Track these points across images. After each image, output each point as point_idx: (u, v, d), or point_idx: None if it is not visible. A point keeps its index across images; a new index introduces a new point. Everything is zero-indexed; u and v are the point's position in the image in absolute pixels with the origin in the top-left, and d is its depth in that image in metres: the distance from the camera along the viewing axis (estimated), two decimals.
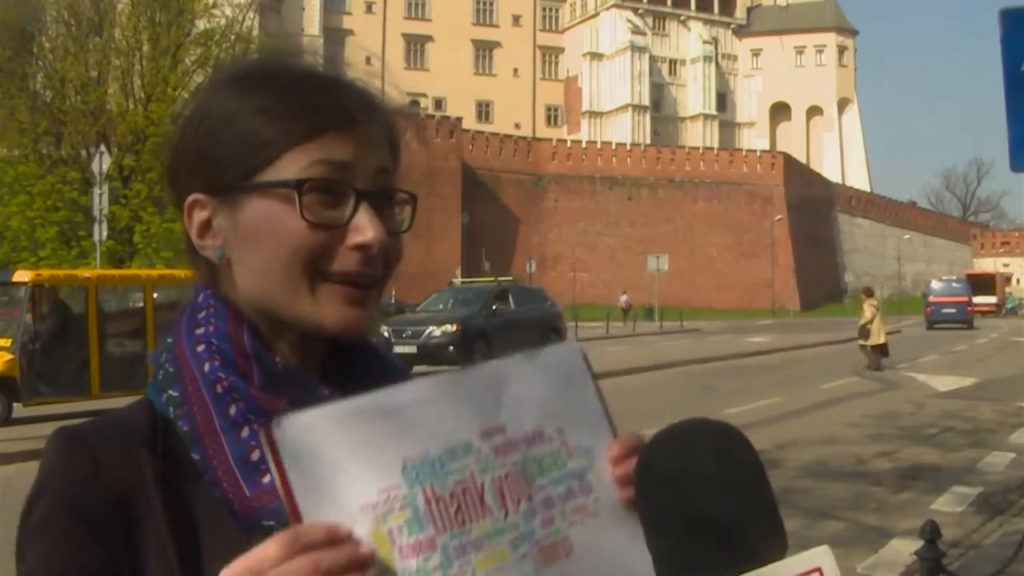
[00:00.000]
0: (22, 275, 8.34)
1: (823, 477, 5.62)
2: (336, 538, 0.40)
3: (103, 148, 13.44)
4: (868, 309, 13.22)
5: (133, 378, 8.22)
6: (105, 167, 12.29)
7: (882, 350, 13.15)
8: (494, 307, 12.84)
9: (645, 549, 0.44)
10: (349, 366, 0.56)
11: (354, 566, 0.40)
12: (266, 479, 0.48)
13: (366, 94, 0.54)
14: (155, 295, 8.86)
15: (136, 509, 0.49)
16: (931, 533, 2.56)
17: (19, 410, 7.76)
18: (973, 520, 4.52)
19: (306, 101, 0.52)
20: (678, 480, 0.43)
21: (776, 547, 0.42)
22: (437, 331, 11.74)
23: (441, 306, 12.98)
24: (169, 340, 0.54)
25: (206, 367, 0.51)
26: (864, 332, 13.11)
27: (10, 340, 7.88)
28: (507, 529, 0.45)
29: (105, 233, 12.55)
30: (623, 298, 32.25)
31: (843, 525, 4.47)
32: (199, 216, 0.53)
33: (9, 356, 7.78)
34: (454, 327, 11.79)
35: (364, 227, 0.51)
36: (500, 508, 0.45)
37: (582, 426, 0.48)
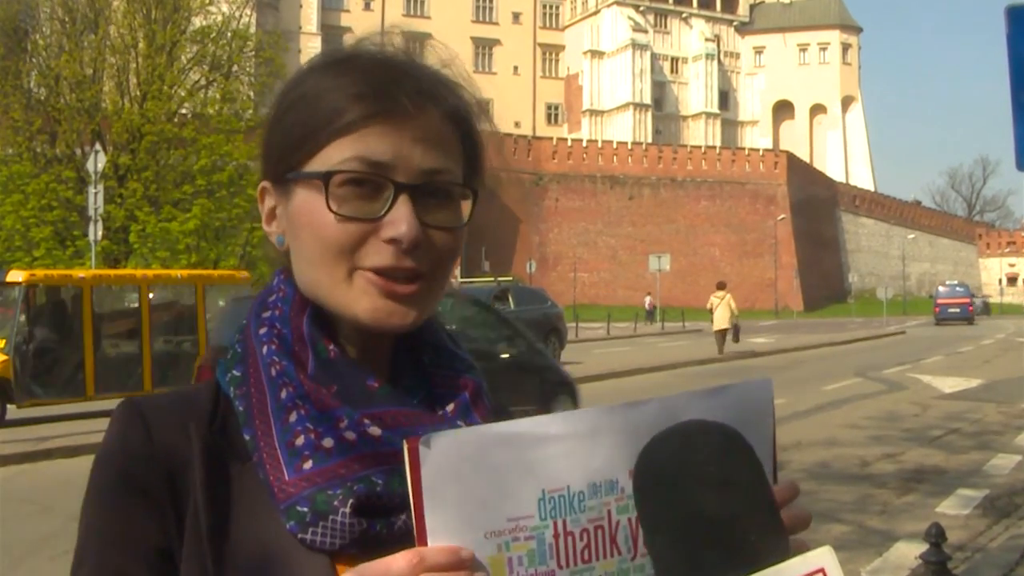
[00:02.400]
0: (16, 275, 8.26)
1: (827, 479, 5.55)
2: (459, 562, 0.42)
3: (98, 147, 13.39)
4: (712, 300, 15.32)
5: (129, 379, 8.32)
6: (100, 166, 12.21)
7: (723, 335, 15.00)
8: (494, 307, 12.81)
9: None
10: (415, 359, 0.56)
11: None
12: (307, 465, 0.49)
13: (425, 83, 0.52)
14: (151, 295, 8.81)
15: (183, 482, 0.51)
16: (936, 536, 2.54)
17: (13, 412, 7.68)
18: (979, 523, 4.51)
19: (351, 90, 0.51)
20: (679, 480, 0.42)
21: (778, 548, 0.42)
22: None
23: (440, 307, 12.96)
24: (244, 322, 0.55)
25: (264, 349, 0.52)
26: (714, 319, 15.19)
27: (3, 341, 7.82)
28: (631, 571, 0.44)
29: (100, 233, 12.49)
30: (647, 299, 32.17)
31: (847, 528, 4.40)
32: (267, 203, 0.55)
33: (3, 357, 7.72)
34: (453, 328, 11.74)
35: (398, 221, 0.50)
36: (630, 550, 0.44)
37: None
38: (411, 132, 0.51)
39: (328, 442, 0.49)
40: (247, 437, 0.51)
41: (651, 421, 0.45)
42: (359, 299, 0.51)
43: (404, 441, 0.43)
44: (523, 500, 0.43)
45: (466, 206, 0.54)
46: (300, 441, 0.49)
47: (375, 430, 0.50)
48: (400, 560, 0.42)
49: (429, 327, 0.57)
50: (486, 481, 0.43)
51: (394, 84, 0.51)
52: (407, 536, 0.44)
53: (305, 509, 0.48)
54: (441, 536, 0.42)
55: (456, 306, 7.04)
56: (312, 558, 0.49)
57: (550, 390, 6.92)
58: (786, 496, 0.47)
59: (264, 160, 0.55)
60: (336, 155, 0.51)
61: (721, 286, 15.85)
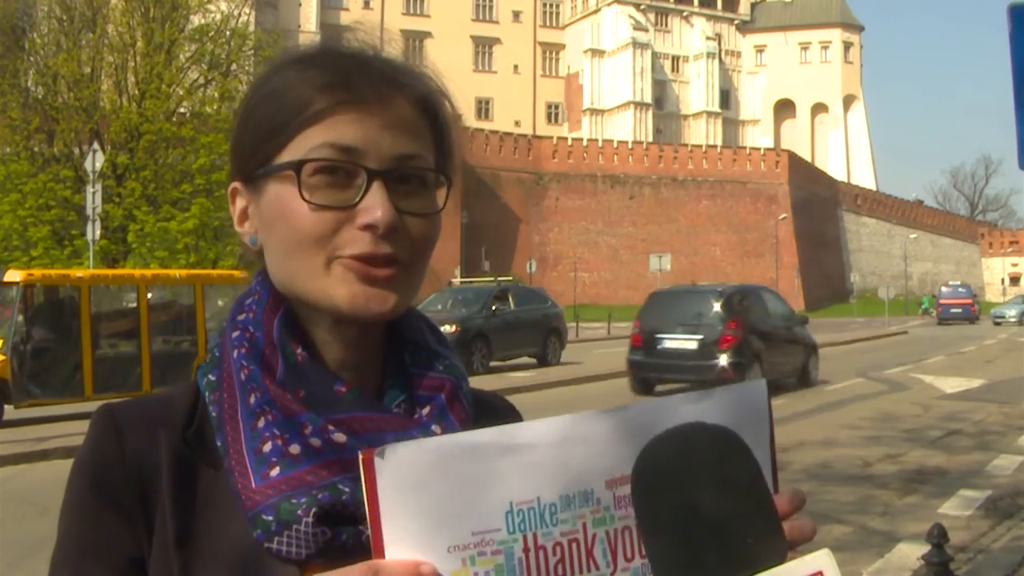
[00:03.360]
0: (14, 275, 8.22)
1: (828, 480, 5.52)
2: (427, 572, 0.40)
3: (96, 146, 13.36)
4: None
5: (127, 379, 8.29)
6: (98, 165, 12.20)
7: None
8: (494, 308, 12.76)
9: None
10: (399, 358, 0.55)
11: None
12: (274, 472, 0.48)
13: (394, 72, 0.53)
14: (149, 295, 8.77)
15: (154, 489, 0.50)
16: (938, 537, 2.54)
17: (10, 412, 7.65)
18: (981, 524, 4.50)
19: (318, 81, 0.51)
20: (678, 480, 0.42)
21: (776, 550, 0.42)
22: None
23: (440, 307, 12.93)
24: (226, 321, 0.55)
25: (235, 354, 0.52)
26: None
27: (1, 341, 7.77)
28: None
29: (98, 232, 12.48)
30: None
31: (849, 529, 4.37)
32: (239, 204, 0.55)
33: (0, 357, 7.68)
34: (453, 328, 11.68)
35: (373, 207, 0.50)
36: (608, 564, 0.42)
37: None
38: (380, 119, 0.51)
39: (295, 448, 0.49)
40: (219, 443, 0.51)
41: (634, 427, 0.42)
42: (337, 287, 0.51)
43: (360, 452, 0.41)
44: (489, 513, 0.41)
45: (441, 193, 0.53)
46: (267, 447, 0.49)
47: (340, 436, 0.49)
48: (354, 573, 0.40)
49: (411, 325, 0.56)
50: (449, 493, 0.41)
51: (360, 73, 0.52)
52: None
53: (270, 518, 0.47)
54: (400, 549, 0.40)
55: (771, 299, 10.91)
56: (281, 568, 0.48)
57: (808, 352, 10.97)
58: (789, 507, 0.45)
59: (234, 160, 0.54)
60: (306, 144, 0.50)
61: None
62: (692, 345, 9.42)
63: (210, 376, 0.53)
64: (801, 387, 10.51)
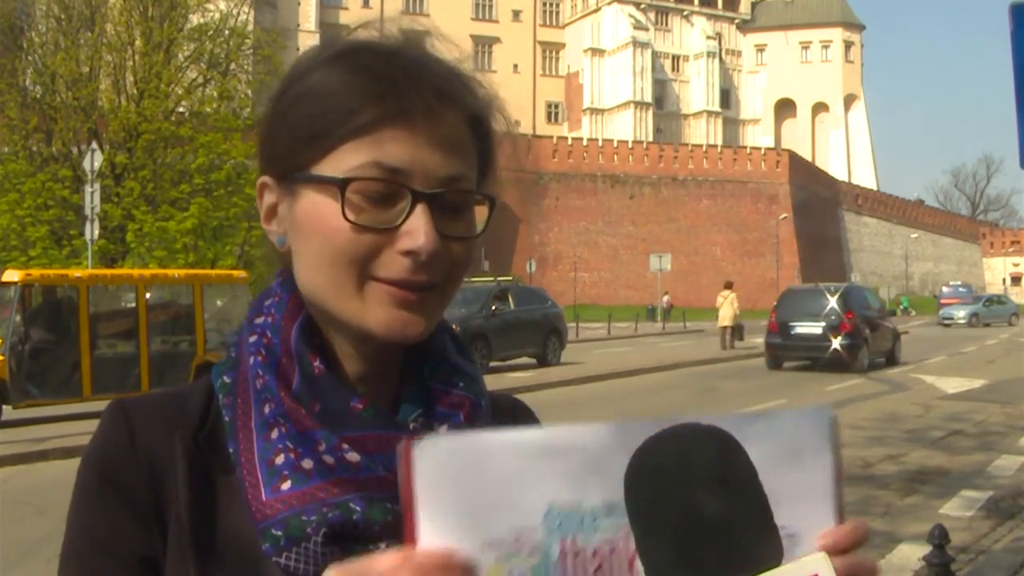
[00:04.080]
0: (12, 275, 8.19)
1: None
2: (450, 565, 0.39)
3: (95, 145, 13.33)
4: (719, 298, 16.61)
5: (126, 380, 8.25)
6: (97, 165, 12.17)
7: (725, 331, 16.35)
8: (493, 308, 12.72)
9: None
10: (417, 371, 0.54)
11: None
12: (285, 485, 0.47)
13: (445, 84, 0.50)
14: (148, 295, 8.75)
15: (166, 489, 0.49)
16: (940, 538, 2.53)
17: (9, 412, 7.62)
18: (983, 525, 4.48)
19: (365, 89, 0.49)
20: (672, 479, 0.41)
21: (773, 552, 0.41)
22: None
23: None
24: (244, 322, 0.54)
25: (251, 360, 0.51)
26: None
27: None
28: None
29: (97, 232, 12.47)
30: (665, 298, 32.42)
31: None
32: (267, 199, 0.53)
33: None
34: (452, 328, 11.65)
35: (416, 232, 0.48)
36: None
37: (794, 506, 0.42)
38: (429, 135, 0.49)
39: (307, 463, 0.48)
40: (231, 450, 0.50)
41: None
42: (372, 310, 0.49)
43: (403, 441, 0.41)
44: (528, 512, 0.40)
45: (481, 213, 0.52)
46: (280, 460, 0.48)
47: (353, 456, 0.48)
48: (386, 557, 0.39)
49: (434, 336, 0.54)
50: (487, 488, 0.40)
51: (412, 82, 0.49)
52: None
53: (279, 532, 0.47)
54: (434, 541, 0.40)
55: (869, 295, 14.21)
56: None
57: (895, 337, 13.75)
58: (851, 538, 0.42)
59: (266, 155, 0.52)
60: (351, 159, 0.48)
61: (728, 285, 17.14)
62: (817, 330, 12.46)
63: (225, 378, 0.52)
64: (889, 366, 13.30)
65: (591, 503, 0.41)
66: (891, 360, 13.63)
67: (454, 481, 0.40)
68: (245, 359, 0.51)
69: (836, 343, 12.24)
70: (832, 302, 12.56)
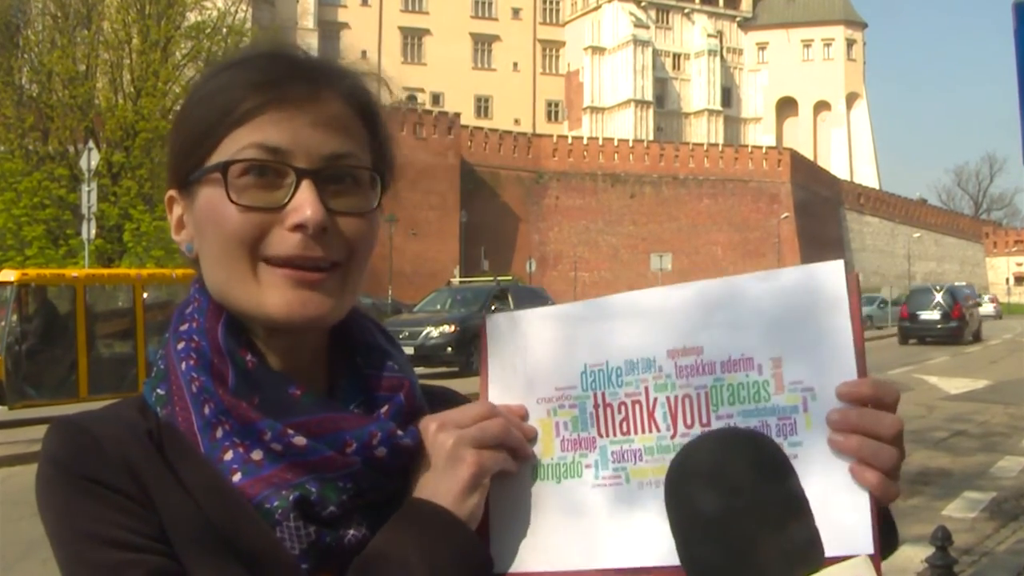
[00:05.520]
0: (8, 275, 8.15)
1: None
2: (520, 415, 0.50)
3: (91, 144, 13.23)
4: None
5: (123, 380, 8.26)
6: (94, 164, 12.09)
7: None
8: (493, 308, 12.71)
9: (836, 506, 0.42)
10: (351, 361, 0.55)
11: (523, 450, 0.49)
12: (236, 478, 0.49)
13: (317, 70, 0.53)
14: (145, 295, 8.73)
15: (147, 485, 0.49)
16: (942, 539, 2.52)
17: (5, 413, 7.61)
18: (985, 526, 4.45)
19: (246, 81, 0.51)
20: (711, 484, 0.42)
21: (813, 557, 0.42)
22: (435, 332, 11.52)
23: (439, 306, 12.93)
24: (166, 335, 0.54)
25: (183, 366, 0.51)
26: None
27: None
28: (671, 448, 0.46)
29: (94, 231, 12.39)
30: None
31: None
32: (176, 212, 0.55)
33: None
34: (452, 328, 11.60)
35: (302, 206, 0.49)
36: (668, 427, 0.47)
37: (812, 361, 0.44)
38: (308, 117, 0.50)
39: (257, 454, 0.49)
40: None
41: (700, 302, 0.45)
42: (268, 293, 0.50)
43: (484, 318, 0.50)
44: (568, 372, 0.48)
45: (376, 191, 0.53)
46: (229, 456, 0.49)
47: (300, 440, 0.49)
48: (476, 405, 0.49)
49: (360, 325, 0.56)
50: (540, 353, 0.48)
51: (287, 71, 0.51)
52: (358, 548, 0.48)
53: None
54: (501, 399, 0.49)
55: (966, 290, 22.37)
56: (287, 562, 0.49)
57: (980, 320, 22.09)
58: (869, 392, 0.44)
59: (169, 168, 0.54)
60: (233, 146, 0.50)
61: None
62: (936, 316, 19.16)
63: (159, 391, 0.52)
64: (975, 342, 19.18)
65: (616, 362, 0.47)
66: (976, 337, 20.26)
67: (515, 348, 0.49)
68: (175, 368, 0.51)
69: (953, 324, 18.94)
70: (938, 297, 19.46)
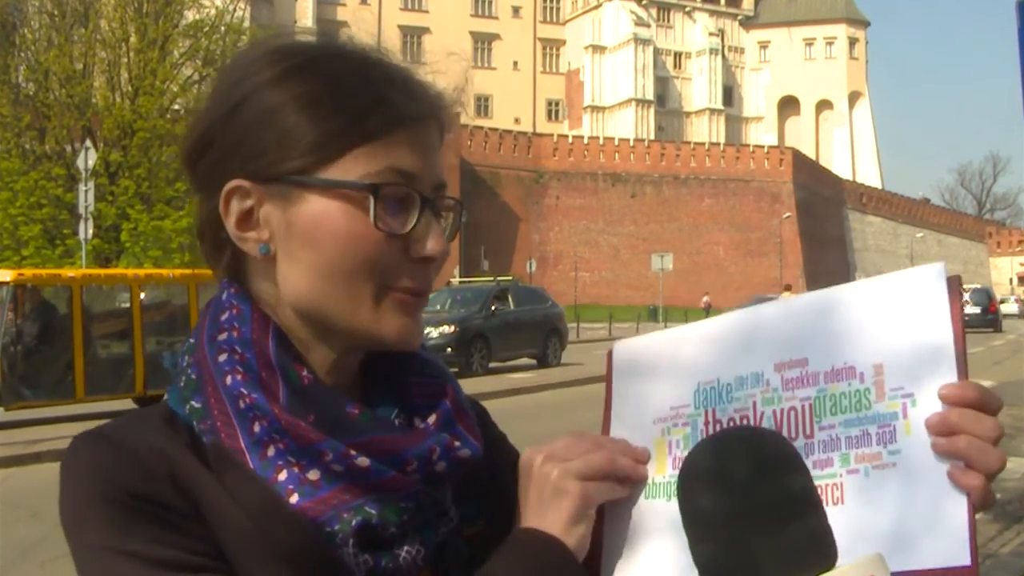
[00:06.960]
0: (4, 274, 8.07)
1: None
2: (627, 449, 0.50)
3: (89, 143, 13.13)
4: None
5: (120, 381, 8.22)
6: (91, 163, 12.01)
7: None
8: (493, 308, 12.67)
9: (932, 516, 0.42)
10: (390, 368, 0.54)
11: (634, 475, 0.49)
12: (293, 499, 0.47)
13: (436, 96, 0.53)
14: (142, 295, 8.67)
15: (196, 496, 0.47)
16: None
17: (1, 414, 7.54)
18: (989, 528, 4.37)
19: (372, 95, 0.49)
20: (717, 484, 0.43)
21: (827, 555, 0.42)
22: (434, 333, 11.44)
23: (438, 307, 12.83)
24: (191, 341, 0.51)
25: (228, 380, 0.48)
26: None
27: None
28: None
29: (91, 231, 12.31)
30: (704, 299, 32.37)
31: None
32: (240, 205, 0.50)
33: None
34: (452, 328, 11.57)
35: (430, 239, 0.50)
36: None
37: (913, 365, 0.44)
38: (426, 141, 0.50)
39: (314, 474, 0.47)
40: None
41: (807, 313, 0.46)
42: (389, 320, 0.49)
43: (612, 347, 0.53)
44: (682, 391, 0.50)
45: (451, 219, 0.54)
46: (283, 476, 0.47)
47: (363, 461, 0.47)
48: (584, 439, 0.50)
49: None
50: (657, 376, 0.50)
51: (408, 90, 0.50)
52: (413, 568, 0.48)
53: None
54: (622, 422, 0.51)
55: (991, 290, 29.72)
56: None
57: (1001, 316, 29.11)
58: (969, 396, 0.43)
59: (236, 157, 0.49)
60: (366, 165, 0.48)
61: (787, 288, 22.08)
62: (978, 311, 24.15)
63: (193, 403, 0.49)
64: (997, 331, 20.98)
65: (727, 379, 0.48)
66: (997, 327, 25.42)
67: (633, 373, 0.51)
68: (213, 379, 0.48)
69: (988, 317, 24.66)
70: (983, 294, 25.45)
